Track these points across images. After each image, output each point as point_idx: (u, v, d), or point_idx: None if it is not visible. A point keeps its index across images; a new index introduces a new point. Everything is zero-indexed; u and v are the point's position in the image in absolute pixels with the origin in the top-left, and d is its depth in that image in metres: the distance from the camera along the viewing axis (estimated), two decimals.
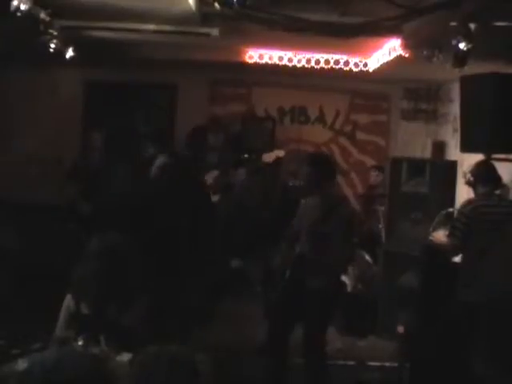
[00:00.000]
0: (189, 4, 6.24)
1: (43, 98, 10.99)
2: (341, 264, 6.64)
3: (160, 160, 8.34)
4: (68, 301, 4.14)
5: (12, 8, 5.74)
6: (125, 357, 3.50)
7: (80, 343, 3.45)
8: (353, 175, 11.67)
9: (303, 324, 6.32)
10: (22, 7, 5.76)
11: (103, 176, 9.01)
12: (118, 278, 3.86)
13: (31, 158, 10.79)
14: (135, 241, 4.35)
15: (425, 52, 6.83)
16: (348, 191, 11.49)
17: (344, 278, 8.85)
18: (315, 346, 6.30)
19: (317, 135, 11.70)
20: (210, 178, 9.99)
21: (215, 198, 10.01)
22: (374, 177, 10.56)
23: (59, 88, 11.09)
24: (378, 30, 6.67)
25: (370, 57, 9.03)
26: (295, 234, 6.52)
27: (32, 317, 7.04)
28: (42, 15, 6.39)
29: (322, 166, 6.42)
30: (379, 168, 10.63)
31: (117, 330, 3.67)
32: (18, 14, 5.79)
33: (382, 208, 9.40)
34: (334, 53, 9.14)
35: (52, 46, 7.33)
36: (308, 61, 9.28)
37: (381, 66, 8.64)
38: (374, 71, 9.25)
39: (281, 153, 10.09)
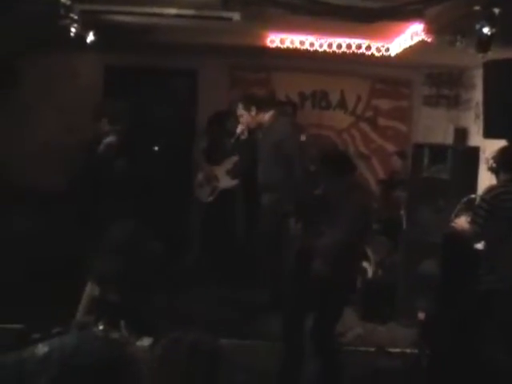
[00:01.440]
0: None
1: (63, 83, 10.98)
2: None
3: (109, 138, 8.44)
4: (91, 285, 4.12)
5: None
6: (145, 341, 3.50)
7: (100, 328, 3.44)
8: (374, 161, 11.62)
9: (314, 314, 6.28)
10: None
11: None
12: (144, 266, 3.84)
13: (51, 145, 10.80)
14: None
15: (447, 37, 6.77)
16: (369, 176, 11.47)
17: (365, 264, 8.85)
18: (324, 336, 6.26)
19: (338, 120, 11.66)
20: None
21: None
22: (394, 162, 10.55)
23: (79, 73, 11.08)
24: (400, 14, 6.62)
25: (391, 42, 8.96)
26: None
27: (52, 301, 7.06)
28: None
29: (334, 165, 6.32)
30: (399, 153, 10.60)
31: (139, 316, 3.67)
32: None
33: (404, 194, 9.36)
34: (355, 37, 9.08)
35: (73, 30, 7.33)
36: (329, 45, 9.22)
37: (403, 51, 8.58)
38: (395, 56, 9.18)
39: (302, 137, 10.04)
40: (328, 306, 6.20)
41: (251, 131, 8.95)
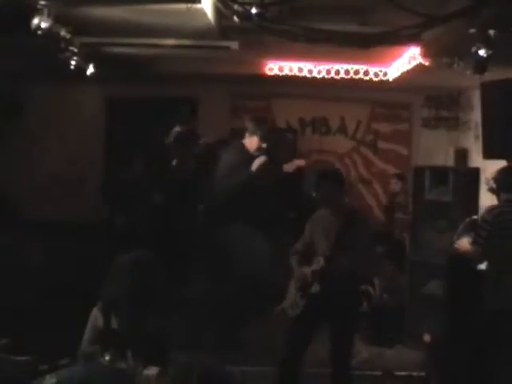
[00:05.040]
0: (208, 18, 6.27)
1: (65, 115, 11.06)
2: (368, 275, 6.54)
3: None
4: (94, 316, 4.15)
5: (33, 26, 5.79)
6: (152, 370, 3.51)
7: (107, 358, 3.45)
8: (375, 185, 11.65)
9: (331, 339, 6.28)
10: (43, 25, 5.80)
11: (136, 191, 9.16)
12: (151, 292, 3.86)
13: (55, 177, 10.87)
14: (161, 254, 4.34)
15: (444, 60, 6.83)
16: (371, 201, 11.50)
17: (369, 288, 8.83)
18: (343, 359, 6.28)
19: (338, 145, 11.71)
20: None
21: None
22: (393, 185, 10.56)
23: (81, 105, 11.16)
24: (397, 39, 6.66)
25: (389, 66, 9.03)
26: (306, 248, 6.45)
27: (59, 332, 7.06)
28: (63, 33, 6.45)
29: (333, 181, 6.35)
30: (398, 176, 10.62)
31: (146, 344, 3.67)
32: (39, 32, 5.83)
33: (406, 217, 9.36)
34: (353, 63, 9.16)
35: (73, 62, 7.39)
36: (328, 71, 9.30)
37: (401, 74, 8.64)
38: (394, 80, 9.25)
39: (301, 162, 10.03)
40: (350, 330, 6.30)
41: None
